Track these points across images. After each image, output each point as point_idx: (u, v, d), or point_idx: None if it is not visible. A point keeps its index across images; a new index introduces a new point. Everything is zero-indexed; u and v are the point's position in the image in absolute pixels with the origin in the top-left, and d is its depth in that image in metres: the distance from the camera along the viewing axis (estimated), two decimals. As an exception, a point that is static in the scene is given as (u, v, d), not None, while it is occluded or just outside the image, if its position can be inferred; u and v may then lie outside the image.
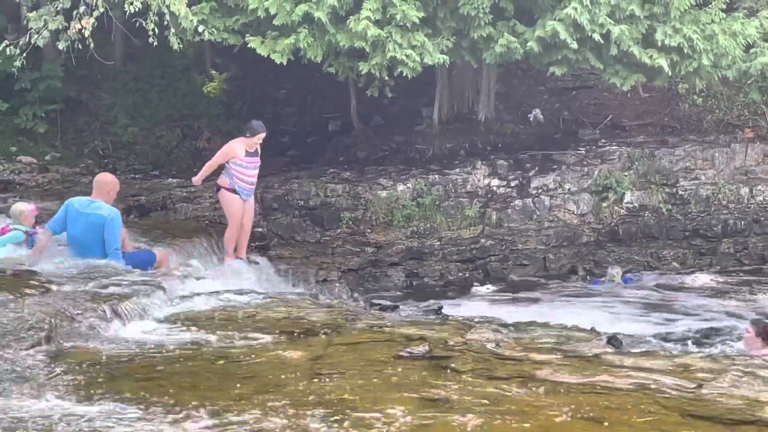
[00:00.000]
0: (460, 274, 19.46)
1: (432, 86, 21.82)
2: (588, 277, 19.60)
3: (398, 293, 18.32)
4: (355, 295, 16.18)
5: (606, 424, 4.89)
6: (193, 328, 7.67)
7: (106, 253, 11.59)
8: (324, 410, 5.25)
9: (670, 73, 18.63)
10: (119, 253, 11.67)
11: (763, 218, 20.98)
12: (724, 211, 21.08)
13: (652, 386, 5.64)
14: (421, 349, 6.61)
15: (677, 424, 4.88)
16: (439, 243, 19.61)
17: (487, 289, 18.42)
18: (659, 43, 18.01)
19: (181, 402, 5.44)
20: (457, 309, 14.71)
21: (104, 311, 7.76)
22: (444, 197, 20.00)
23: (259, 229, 18.46)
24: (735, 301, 17.81)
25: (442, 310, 11.49)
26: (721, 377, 5.70)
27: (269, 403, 5.41)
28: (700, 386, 5.57)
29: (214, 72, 21.38)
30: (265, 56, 17.41)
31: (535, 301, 17.63)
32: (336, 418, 5.10)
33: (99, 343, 7.14)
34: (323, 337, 7.27)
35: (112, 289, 8.83)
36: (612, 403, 5.22)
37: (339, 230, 19.36)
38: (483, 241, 19.81)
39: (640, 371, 6.05)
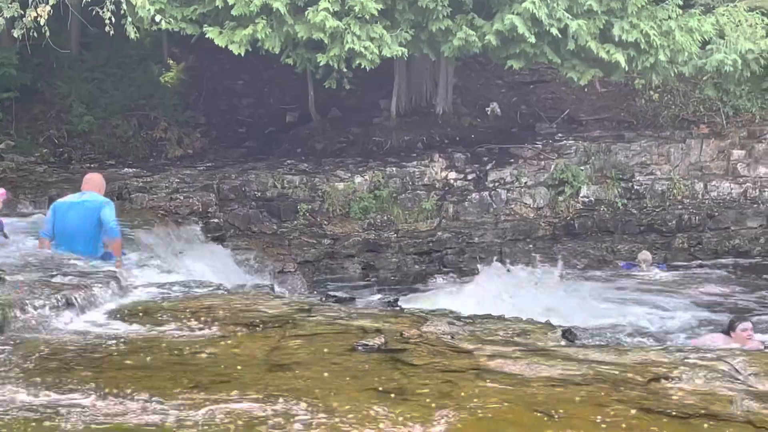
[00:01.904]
0: (417, 267, 19.51)
1: (390, 79, 21.85)
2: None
3: (355, 285, 18.32)
4: (312, 286, 16.20)
5: (558, 417, 4.90)
6: (148, 319, 7.62)
7: (105, 231, 11.64)
8: (279, 401, 5.23)
9: (626, 69, 18.78)
10: (118, 226, 11.76)
11: (717, 213, 21.17)
12: (679, 206, 21.27)
13: (606, 380, 5.66)
14: (376, 341, 6.60)
15: (630, 418, 4.90)
16: (395, 235, 19.65)
17: (444, 281, 18.48)
18: (616, 39, 18.14)
19: (134, 392, 5.40)
20: (413, 301, 14.74)
21: (56, 301, 7.69)
22: (401, 190, 20.05)
23: (216, 220, 18.41)
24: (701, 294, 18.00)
25: (398, 303, 11.51)
26: (674, 371, 5.74)
27: (224, 394, 5.39)
28: (653, 380, 5.60)
29: (171, 62, 21.29)
30: (223, 47, 17.35)
31: (493, 293, 17.65)
32: (291, 409, 5.08)
33: (51, 334, 7.07)
34: (278, 328, 7.24)
35: (64, 279, 8.75)
36: (565, 396, 5.24)
37: (296, 222, 19.36)
38: (440, 234, 19.89)
39: (593, 364, 6.08)
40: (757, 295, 18.09)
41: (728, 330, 12.72)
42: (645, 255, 19.68)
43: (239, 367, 6.06)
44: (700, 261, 20.69)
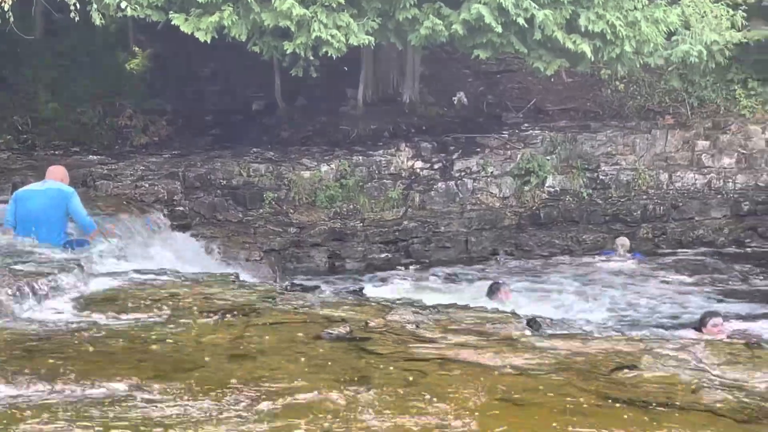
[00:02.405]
0: (383, 256, 19.51)
1: (357, 67, 21.79)
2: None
3: (320, 274, 18.29)
4: (277, 275, 16.15)
5: (523, 405, 4.91)
6: (111, 307, 7.58)
7: (80, 224, 12.04)
8: (243, 390, 5.22)
9: (592, 59, 18.82)
10: (90, 218, 11.94)
11: (681, 204, 21.28)
12: (644, 197, 21.37)
13: (570, 369, 5.68)
14: (341, 330, 6.60)
15: (594, 407, 4.92)
16: (361, 224, 19.63)
17: (410, 270, 18.50)
18: (582, 29, 18.16)
19: (97, 379, 5.38)
20: (378, 290, 14.75)
21: (19, 289, 7.63)
22: (367, 178, 20.02)
23: (181, 208, 18.34)
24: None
25: (364, 292, 11.50)
26: (638, 360, 5.77)
27: (187, 382, 5.37)
28: (617, 369, 5.63)
29: (136, 49, 21.13)
30: (189, 34, 17.24)
31: (458, 283, 17.73)
32: (255, 397, 5.08)
33: (13, 322, 7.03)
34: (243, 317, 7.23)
35: (27, 267, 8.70)
36: (530, 385, 5.26)
37: (261, 210, 19.29)
38: (406, 223, 19.88)
39: (558, 353, 6.10)
40: (727, 286, 18.22)
41: (699, 326, 12.87)
42: (623, 240, 19.80)
43: (203, 356, 6.04)
44: (674, 250, 20.82)
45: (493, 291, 15.15)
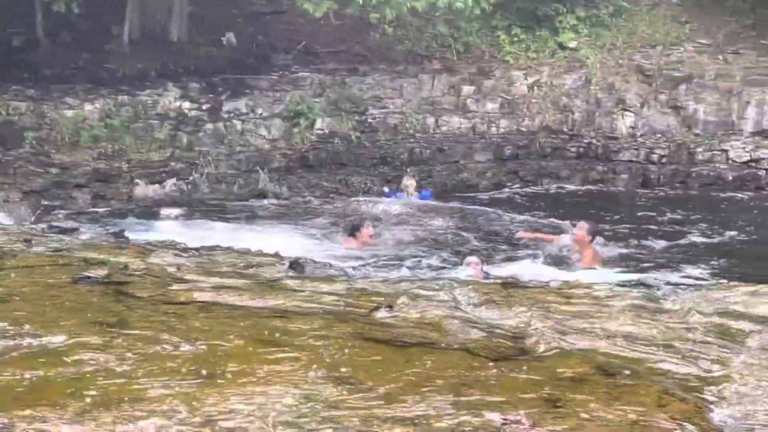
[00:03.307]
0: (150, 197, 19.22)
1: (123, 4, 21.28)
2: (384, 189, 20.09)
3: (83, 216, 17.87)
4: (36, 217, 15.69)
5: (283, 347, 4.91)
6: None
7: None
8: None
9: (361, 2, 18.92)
10: None
11: (446, 148, 21.74)
12: (411, 140, 21.73)
13: (330, 310, 5.72)
14: (99, 273, 6.45)
15: (352, 348, 4.96)
16: (127, 165, 19.30)
17: (175, 212, 18.28)
18: (351, -29, 18.22)
19: None
20: (141, 233, 14.50)
21: None
22: (133, 119, 19.68)
23: (-67, 148, 17.59)
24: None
25: (125, 234, 11.31)
26: (395, 301, 5.85)
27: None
28: (375, 310, 5.70)
29: None
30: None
31: (225, 225, 17.62)
32: (6, 338, 4.92)
33: None
34: (-4, 260, 6.98)
35: None
36: (289, 327, 5.26)
37: (22, 150, 18.73)
38: (173, 164, 19.63)
39: (320, 295, 6.13)
40: (495, 226, 18.66)
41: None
42: (410, 181, 19.96)
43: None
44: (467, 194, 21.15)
45: (356, 227, 15.56)
